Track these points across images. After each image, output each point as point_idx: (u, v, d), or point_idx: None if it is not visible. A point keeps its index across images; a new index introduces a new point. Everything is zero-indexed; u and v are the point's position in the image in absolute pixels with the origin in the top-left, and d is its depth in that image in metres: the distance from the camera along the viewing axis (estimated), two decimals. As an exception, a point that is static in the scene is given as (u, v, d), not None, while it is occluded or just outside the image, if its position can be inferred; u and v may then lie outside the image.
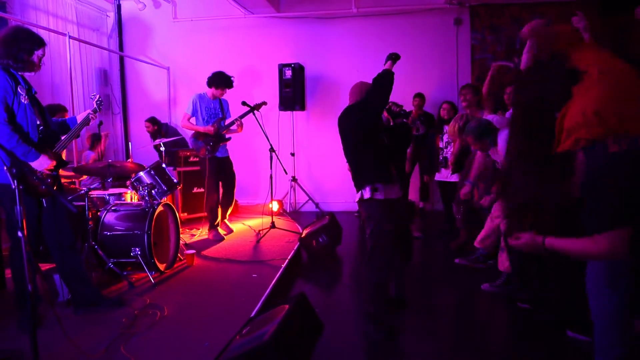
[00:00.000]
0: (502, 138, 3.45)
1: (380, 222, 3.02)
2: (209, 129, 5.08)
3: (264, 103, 5.40)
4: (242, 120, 5.21)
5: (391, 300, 3.36)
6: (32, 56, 2.88)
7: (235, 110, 5.43)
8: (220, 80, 5.14)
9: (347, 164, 3.36)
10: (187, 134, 5.57)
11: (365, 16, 7.11)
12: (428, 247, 5.38)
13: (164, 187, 4.31)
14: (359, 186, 3.10)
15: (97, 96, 3.44)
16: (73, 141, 4.99)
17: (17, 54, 2.82)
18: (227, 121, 5.27)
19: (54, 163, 2.95)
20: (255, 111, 5.27)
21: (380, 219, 3.02)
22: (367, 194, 3.01)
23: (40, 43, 2.92)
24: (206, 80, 5.21)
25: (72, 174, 4.46)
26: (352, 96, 3.34)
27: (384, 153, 3.14)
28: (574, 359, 2.74)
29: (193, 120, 5.24)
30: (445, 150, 5.33)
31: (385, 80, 3.07)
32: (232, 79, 5.22)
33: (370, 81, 3.29)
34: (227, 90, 5.24)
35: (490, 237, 4.05)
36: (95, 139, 5.67)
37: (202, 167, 5.21)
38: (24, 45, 2.84)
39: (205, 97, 5.23)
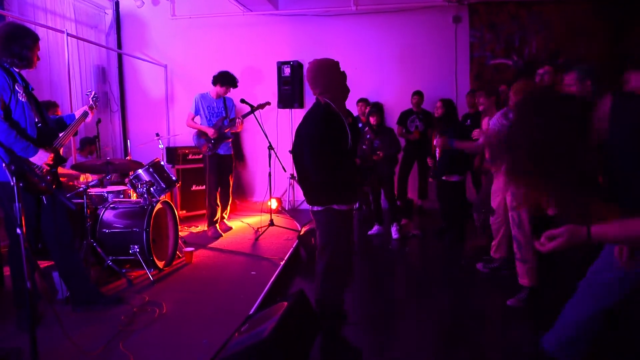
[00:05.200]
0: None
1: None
2: (210, 130, 5.11)
3: (268, 103, 5.42)
4: (243, 120, 5.24)
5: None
6: (34, 52, 2.88)
7: (238, 108, 5.46)
8: (225, 79, 5.22)
9: None
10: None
11: (364, 14, 7.10)
12: (426, 245, 5.39)
13: (162, 184, 4.31)
14: None
15: (93, 92, 3.44)
16: (71, 139, 4.99)
17: (22, 51, 2.81)
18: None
19: (52, 156, 2.94)
20: (257, 110, 5.28)
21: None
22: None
23: (37, 38, 2.93)
24: (211, 78, 5.29)
25: (72, 172, 4.42)
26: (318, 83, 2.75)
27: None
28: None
29: (197, 119, 5.28)
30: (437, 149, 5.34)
31: None
32: (236, 80, 5.31)
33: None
34: (231, 89, 5.30)
35: (502, 244, 4.03)
36: (87, 143, 5.63)
37: (205, 164, 5.26)
38: (27, 42, 2.83)
39: (208, 97, 5.28)
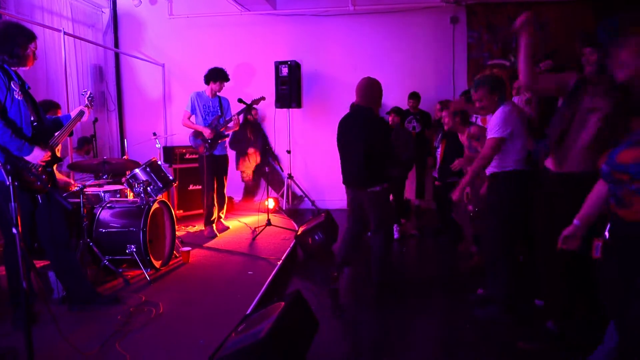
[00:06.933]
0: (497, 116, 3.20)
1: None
2: (206, 131, 5.09)
3: (263, 98, 5.38)
4: (239, 117, 5.22)
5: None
6: (27, 50, 2.87)
7: (234, 108, 5.43)
8: (217, 74, 5.19)
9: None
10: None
11: (361, 14, 7.10)
12: (423, 245, 5.40)
13: (159, 184, 4.29)
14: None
15: (88, 92, 3.43)
16: (68, 139, 4.97)
17: (13, 49, 2.80)
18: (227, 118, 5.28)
19: (49, 153, 2.92)
20: (253, 106, 5.25)
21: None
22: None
23: (32, 36, 2.91)
24: (203, 79, 5.26)
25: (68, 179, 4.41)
26: (363, 96, 3.70)
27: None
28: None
29: (193, 118, 5.27)
30: (437, 149, 5.35)
31: None
32: (227, 73, 5.28)
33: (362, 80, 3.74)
34: (225, 84, 5.28)
35: None
36: (84, 143, 5.61)
37: (201, 165, 5.24)
38: (19, 40, 2.82)
39: (204, 95, 5.26)
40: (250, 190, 7.25)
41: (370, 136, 3.55)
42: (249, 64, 7.41)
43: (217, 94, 5.30)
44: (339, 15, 7.16)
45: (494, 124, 3.11)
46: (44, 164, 2.92)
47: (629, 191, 1.90)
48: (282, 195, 7.00)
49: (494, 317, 3.26)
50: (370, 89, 3.65)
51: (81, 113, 3.24)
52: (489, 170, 3.32)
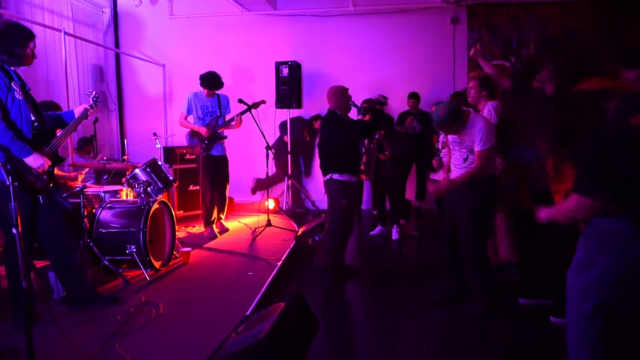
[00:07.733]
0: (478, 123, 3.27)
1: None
2: (203, 129, 5.07)
3: (263, 102, 5.37)
4: (241, 117, 5.18)
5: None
6: (27, 49, 2.87)
7: (235, 106, 5.42)
8: (205, 82, 5.14)
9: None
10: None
11: (362, 14, 7.10)
12: (423, 246, 5.40)
13: (159, 184, 4.29)
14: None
15: (93, 92, 3.41)
16: (69, 139, 4.96)
17: (12, 48, 2.80)
18: (226, 117, 5.25)
19: (49, 162, 2.92)
20: (253, 109, 5.24)
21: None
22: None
23: (31, 35, 2.90)
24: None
25: (69, 174, 4.41)
26: (328, 101, 4.17)
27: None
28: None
29: (190, 118, 5.24)
30: (442, 151, 5.32)
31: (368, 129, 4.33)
32: (220, 78, 5.19)
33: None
34: (215, 90, 5.23)
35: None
36: (85, 143, 5.61)
37: (198, 165, 5.22)
38: (19, 40, 2.81)
39: (201, 96, 5.23)
40: (262, 185, 7.26)
41: (323, 133, 4.19)
42: (249, 64, 7.41)
43: (216, 92, 5.27)
44: (339, 16, 7.16)
45: (480, 137, 3.21)
46: (44, 170, 2.91)
47: None
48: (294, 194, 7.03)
49: (479, 314, 3.35)
50: (332, 96, 4.13)
51: (85, 112, 3.23)
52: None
